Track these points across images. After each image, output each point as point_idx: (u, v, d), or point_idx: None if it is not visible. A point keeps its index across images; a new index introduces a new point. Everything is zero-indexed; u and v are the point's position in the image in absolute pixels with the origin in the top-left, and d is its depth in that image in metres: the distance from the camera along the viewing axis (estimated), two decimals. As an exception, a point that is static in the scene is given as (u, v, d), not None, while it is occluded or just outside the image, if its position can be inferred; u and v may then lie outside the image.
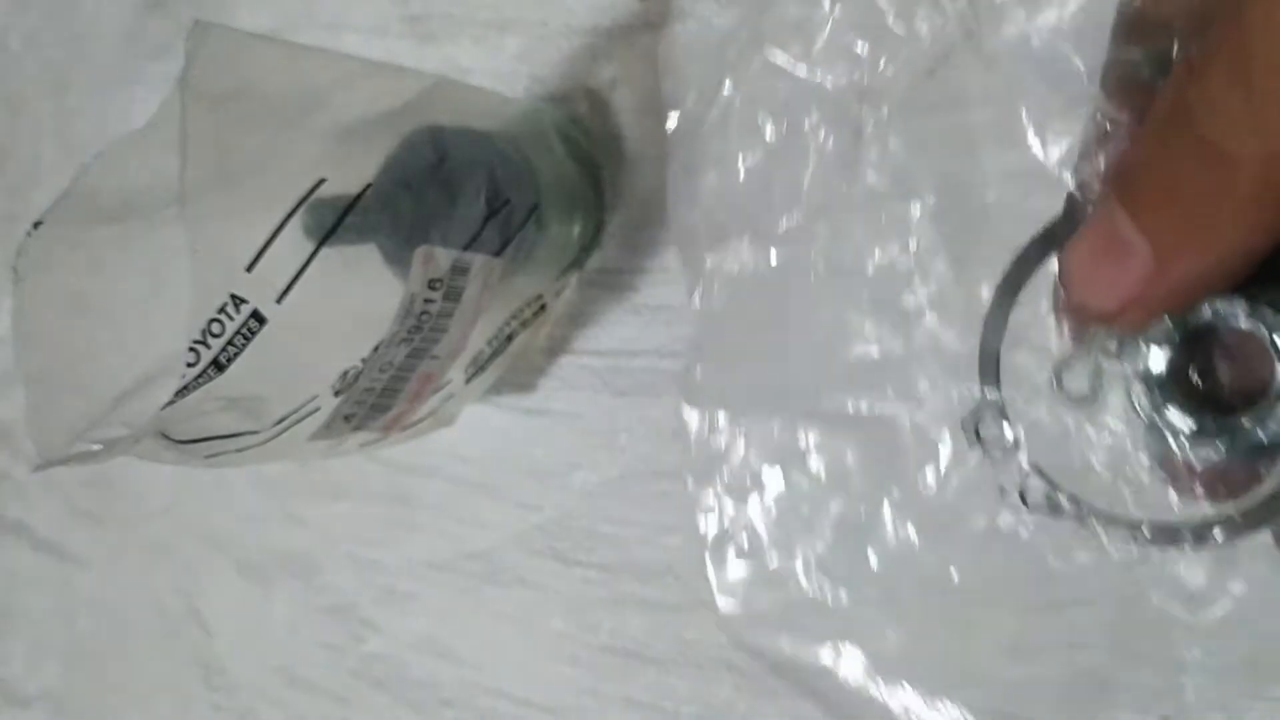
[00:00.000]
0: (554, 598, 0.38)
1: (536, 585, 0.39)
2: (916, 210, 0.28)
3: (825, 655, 0.29)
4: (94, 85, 0.54)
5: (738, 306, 0.31)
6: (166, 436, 0.28)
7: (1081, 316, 0.23)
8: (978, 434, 0.26)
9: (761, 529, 0.30)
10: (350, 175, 0.28)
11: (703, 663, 0.35)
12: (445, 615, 0.42)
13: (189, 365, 0.27)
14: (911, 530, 0.28)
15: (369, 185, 0.28)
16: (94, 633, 0.54)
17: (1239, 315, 0.22)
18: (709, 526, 0.31)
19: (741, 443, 0.31)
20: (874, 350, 0.29)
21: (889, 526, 0.28)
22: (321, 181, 0.27)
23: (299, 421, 0.30)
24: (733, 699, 0.35)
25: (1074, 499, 0.25)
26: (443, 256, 0.30)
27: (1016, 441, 0.26)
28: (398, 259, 0.29)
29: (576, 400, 0.38)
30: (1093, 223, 0.22)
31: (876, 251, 0.29)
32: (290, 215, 0.27)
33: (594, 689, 0.38)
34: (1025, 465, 0.26)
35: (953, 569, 0.27)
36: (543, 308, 0.37)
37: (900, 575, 0.28)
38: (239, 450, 0.29)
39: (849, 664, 0.29)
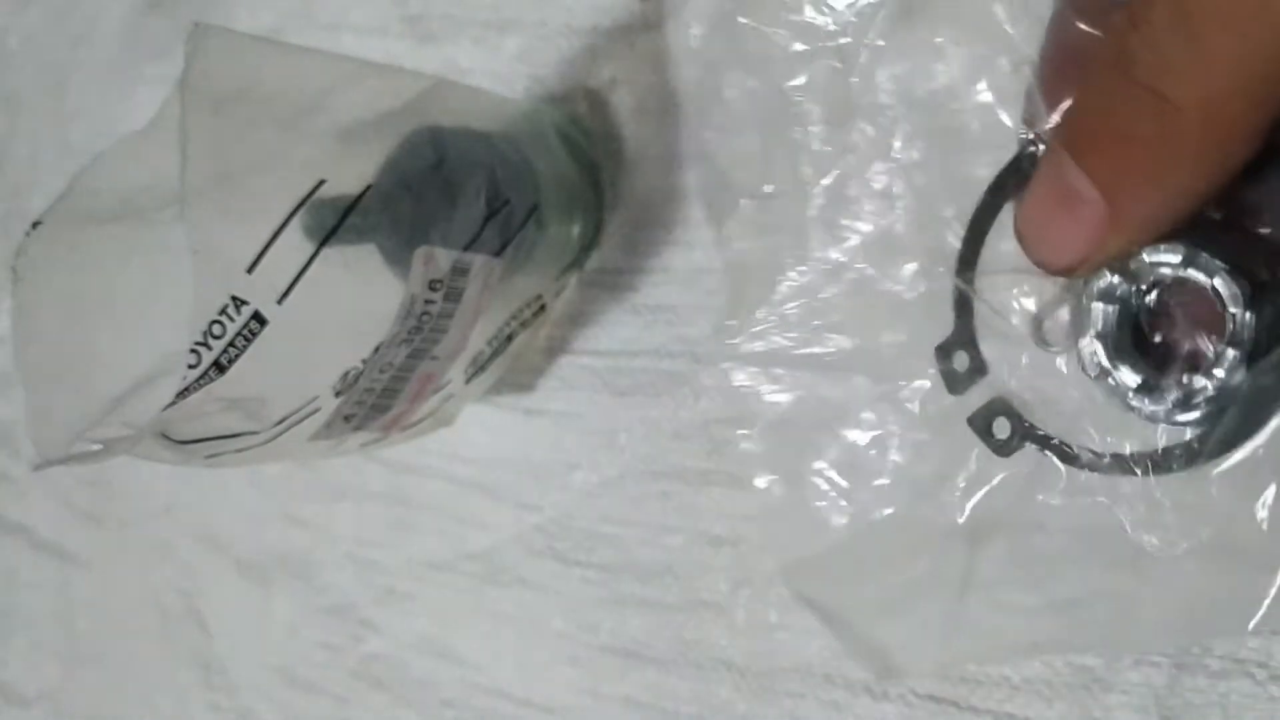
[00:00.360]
0: (554, 598, 0.38)
1: (536, 585, 0.39)
2: (909, 157, 0.29)
3: (865, 600, 0.30)
4: (94, 85, 0.54)
5: (751, 270, 0.32)
6: (167, 437, 0.28)
7: (1042, 271, 0.23)
8: (952, 365, 0.27)
9: (809, 479, 0.31)
10: (350, 176, 0.28)
11: (703, 663, 0.35)
12: (445, 615, 0.42)
13: (190, 366, 0.27)
14: (921, 469, 0.29)
15: (369, 186, 0.28)
16: (94, 633, 0.54)
17: (1185, 268, 0.22)
18: (762, 483, 0.32)
19: (777, 397, 0.32)
20: (881, 301, 0.29)
21: (895, 472, 0.29)
22: (322, 182, 0.27)
23: (299, 422, 0.30)
24: (733, 699, 0.35)
25: (1040, 430, 0.26)
26: (443, 257, 0.30)
27: (984, 372, 0.27)
28: (398, 259, 0.29)
29: (576, 400, 0.38)
30: (1040, 178, 0.22)
31: (874, 204, 0.29)
32: (291, 216, 0.27)
33: (594, 689, 0.38)
34: (994, 396, 0.27)
35: (955, 515, 0.28)
36: (542, 308, 0.37)
37: (909, 521, 0.29)
38: (239, 451, 0.29)
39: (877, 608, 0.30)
